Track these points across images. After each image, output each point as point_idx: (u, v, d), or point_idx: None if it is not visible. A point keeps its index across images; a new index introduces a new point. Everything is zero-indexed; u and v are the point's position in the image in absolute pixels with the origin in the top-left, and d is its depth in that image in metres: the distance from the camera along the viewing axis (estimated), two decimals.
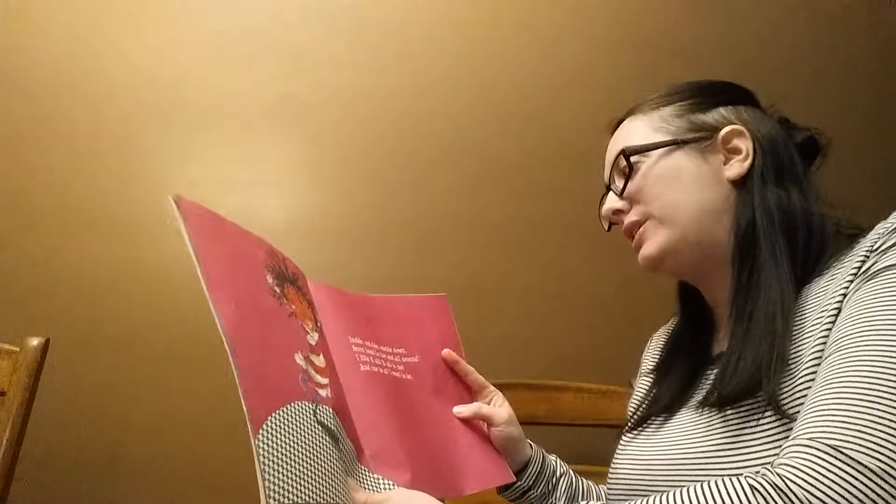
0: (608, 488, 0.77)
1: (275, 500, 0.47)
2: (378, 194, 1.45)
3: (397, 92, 1.48)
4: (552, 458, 0.85)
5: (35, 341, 1.01)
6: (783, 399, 0.56)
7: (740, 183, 0.69)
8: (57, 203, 1.37)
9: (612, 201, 0.75)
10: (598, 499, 0.84)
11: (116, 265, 1.36)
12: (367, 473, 0.63)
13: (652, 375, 0.80)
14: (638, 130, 0.74)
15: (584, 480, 0.88)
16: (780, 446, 0.54)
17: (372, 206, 1.45)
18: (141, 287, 1.36)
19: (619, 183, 0.74)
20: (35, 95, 1.39)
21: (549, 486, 0.82)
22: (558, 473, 0.83)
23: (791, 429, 0.54)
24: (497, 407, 0.82)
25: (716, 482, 0.51)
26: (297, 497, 0.49)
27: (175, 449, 1.33)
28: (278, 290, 0.61)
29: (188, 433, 1.32)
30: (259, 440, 0.48)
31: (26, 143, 1.38)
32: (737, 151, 0.70)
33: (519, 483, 0.81)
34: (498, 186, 1.48)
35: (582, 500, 0.84)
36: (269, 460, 0.48)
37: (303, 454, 0.52)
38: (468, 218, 1.47)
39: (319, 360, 0.64)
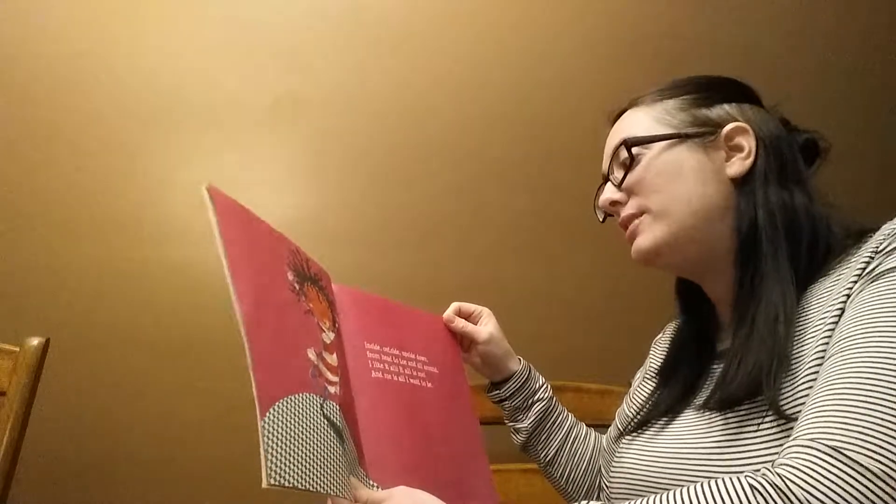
0: (608, 489, 0.76)
1: (274, 479, 0.48)
2: (378, 194, 1.45)
3: (397, 91, 1.47)
4: (539, 384, 0.91)
5: (35, 341, 1.01)
6: (784, 401, 0.56)
7: (741, 181, 0.68)
8: (57, 203, 1.37)
9: (610, 192, 0.74)
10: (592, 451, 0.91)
11: (117, 265, 1.36)
12: (366, 479, 0.63)
13: (655, 379, 0.79)
14: (640, 122, 0.73)
15: (578, 423, 0.93)
16: (780, 447, 0.54)
17: (372, 205, 1.45)
18: (141, 287, 1.36)
19: (619, 174, 0.72)
20: (35, 95, 1.39)
21: (525, 404, 0.90)
22: (536, 398, 0.90)
23: (791, 430, 0.54)
24: (482, 326, 0.89)
25: (716, 481, 0.51)
26: (296, 481, 0.50)
27: (175, 449, 1.33)
28: (297, 287, 0.63)
29: (188, 433, 1.32)
30: (265, 422, 0.50)
31: (26, 143, 1.38)
32: (739, 149, 0.69)
33: (497, 392, 0.90)
34: (498, 186, 1.48)
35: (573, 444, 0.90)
36: (272, 442, 0.50)
37: (305, 442, 0.53)
38: (468, 217, 1.47)
39: (332, 359, 0.64)
